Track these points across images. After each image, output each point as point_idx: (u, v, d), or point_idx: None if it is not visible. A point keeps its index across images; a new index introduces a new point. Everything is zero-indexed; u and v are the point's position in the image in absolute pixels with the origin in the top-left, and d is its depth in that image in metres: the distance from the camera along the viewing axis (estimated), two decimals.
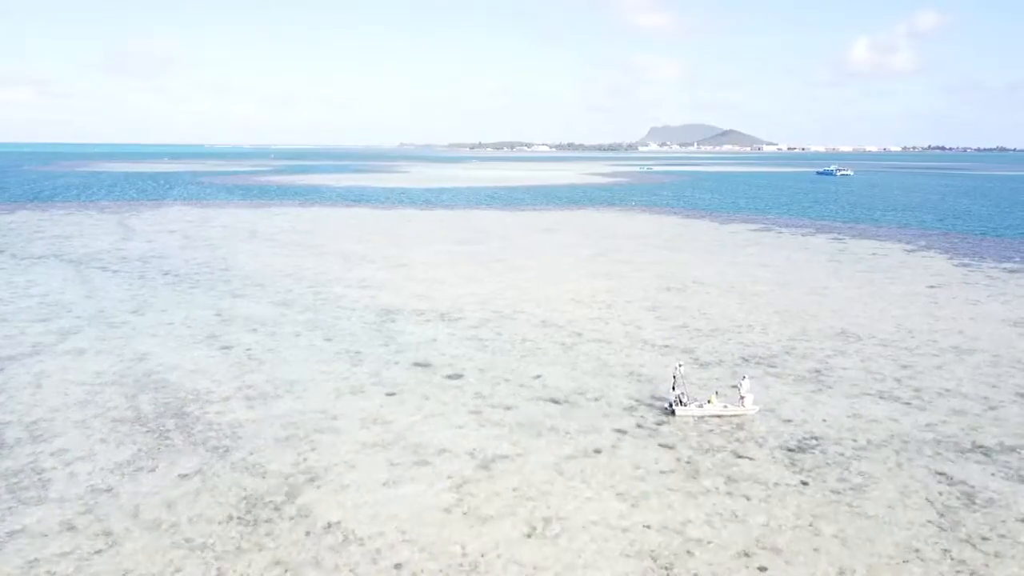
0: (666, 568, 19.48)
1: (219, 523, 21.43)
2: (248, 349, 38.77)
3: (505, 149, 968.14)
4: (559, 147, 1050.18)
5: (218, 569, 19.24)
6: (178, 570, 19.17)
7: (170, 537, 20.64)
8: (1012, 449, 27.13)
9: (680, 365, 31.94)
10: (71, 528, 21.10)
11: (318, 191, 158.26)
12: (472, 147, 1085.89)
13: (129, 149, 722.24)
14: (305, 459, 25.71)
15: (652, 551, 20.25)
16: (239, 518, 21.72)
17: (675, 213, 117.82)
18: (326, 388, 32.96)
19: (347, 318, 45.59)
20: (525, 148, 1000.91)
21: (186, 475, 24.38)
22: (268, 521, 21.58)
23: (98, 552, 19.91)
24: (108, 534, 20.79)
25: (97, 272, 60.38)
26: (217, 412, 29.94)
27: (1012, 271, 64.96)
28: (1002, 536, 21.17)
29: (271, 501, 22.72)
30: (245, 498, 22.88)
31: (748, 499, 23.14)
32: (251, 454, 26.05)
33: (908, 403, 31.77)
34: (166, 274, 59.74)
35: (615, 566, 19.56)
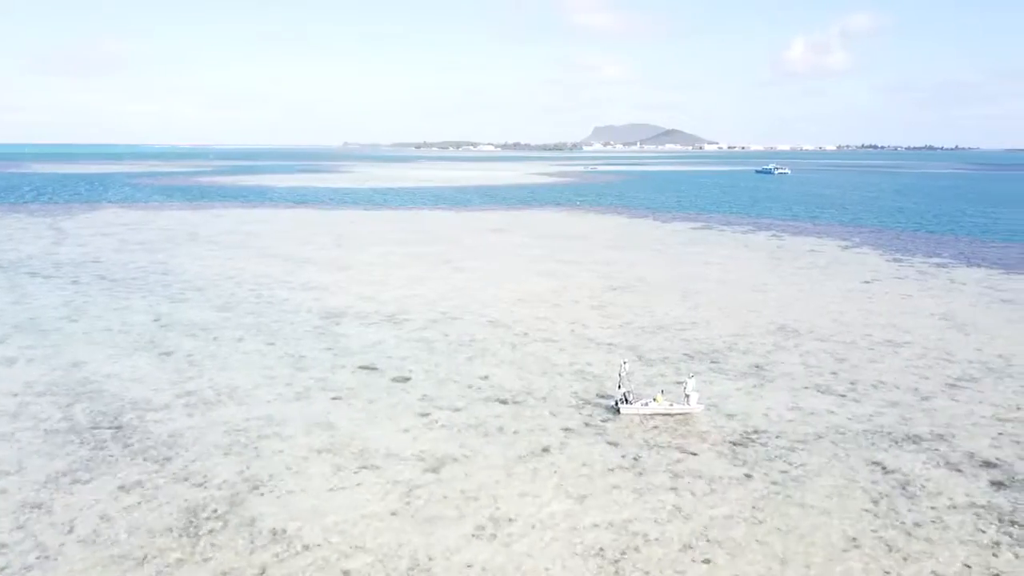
0: (614, 564, 19.71)
1: (160, 535, 20.85)
2: (188, 355, 37.83)
3: (451, 148, 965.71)
4: (504, 147, 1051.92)
5: None
6: None
7: (108, 551, 19.99)
8: (942, 438, 28.22)
9: (625, 363, 32.33)
10: (1, 545, 20.26)
11: (261, 192, 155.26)
12: (417, 146, 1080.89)
13: (60, 150, 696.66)
14: (249, 466, 25.20)
15: (600, 548, 20.45)
16: (181, 529, 21.17)
17: (620, 213, 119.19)
18: (270, 393, 32.38)
19: (291, 322, 44.87)
20: (471, 148, 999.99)
21: (124, 487, 23.66)
22: (211, 531, 21.08)
23: (29, 569, 19.17)
24: (41, 550, 20.04)
25: (27, 278, 58.15)
26: (156, 421, 29.13)
27: (941, 265, 67.60)
28: (934, 522, 22.00)
29: (214, 511, 22.20)
30: (187, 508, 22.31)
31: (693, 494, 23.57)
32: (193, 463, 25.42)
33: (844, 395, 32.77)
34: (102, 279, 57.87)
35: (564, 564, 19.69)
